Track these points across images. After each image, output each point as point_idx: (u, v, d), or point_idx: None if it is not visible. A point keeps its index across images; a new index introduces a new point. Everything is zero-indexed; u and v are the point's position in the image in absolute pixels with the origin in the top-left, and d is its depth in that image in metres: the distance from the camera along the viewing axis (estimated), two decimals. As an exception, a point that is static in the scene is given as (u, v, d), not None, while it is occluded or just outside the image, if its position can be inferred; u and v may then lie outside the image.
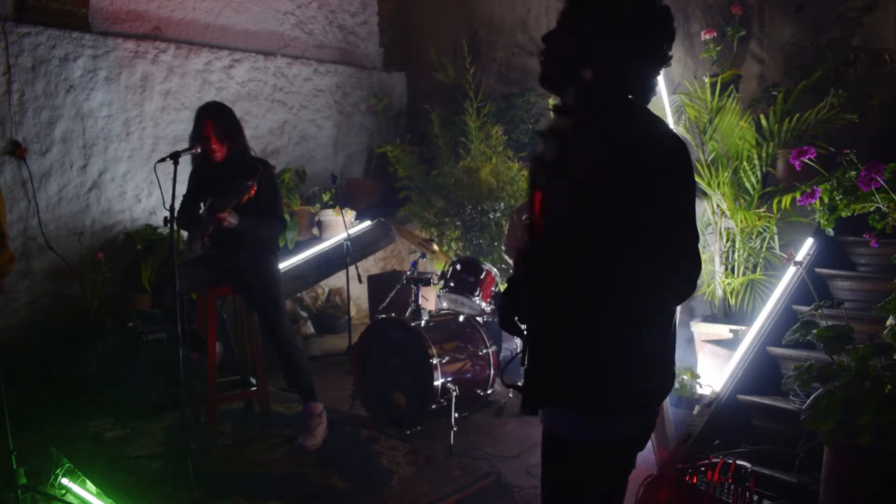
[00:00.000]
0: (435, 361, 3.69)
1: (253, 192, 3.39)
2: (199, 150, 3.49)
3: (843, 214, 3.33)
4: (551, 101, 5.94)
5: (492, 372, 4.03)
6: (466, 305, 4.21)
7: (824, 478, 2.62)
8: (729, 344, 3.97)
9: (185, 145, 3.54)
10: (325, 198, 6.36)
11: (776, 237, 4.23)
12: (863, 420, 2.37)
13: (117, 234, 5.35)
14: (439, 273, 4.41)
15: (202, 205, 3.73)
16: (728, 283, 4.27)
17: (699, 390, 3.78)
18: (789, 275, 3.83)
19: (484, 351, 4.04)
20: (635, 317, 1.43)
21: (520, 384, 1.65)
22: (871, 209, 3.18)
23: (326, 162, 6.95)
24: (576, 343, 1.43)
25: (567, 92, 1.46)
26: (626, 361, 1.43)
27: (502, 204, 5.69)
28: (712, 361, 4.01)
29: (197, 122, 3.59)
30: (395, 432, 3.78)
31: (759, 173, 4.28)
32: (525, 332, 1.62)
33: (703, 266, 1.47)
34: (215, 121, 3.55)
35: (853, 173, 3.23)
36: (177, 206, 3.27)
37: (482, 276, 4.14)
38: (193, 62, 5.81)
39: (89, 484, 3.20)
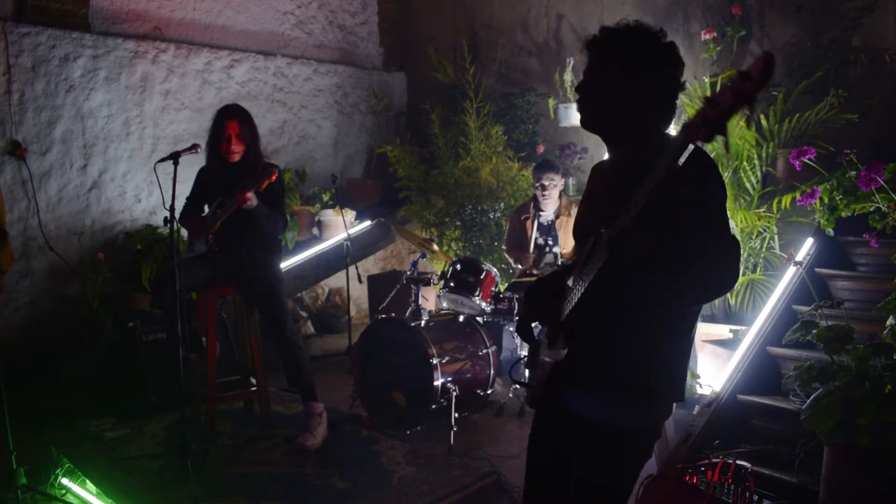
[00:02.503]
0: (435, 361, 3.69)
1: (274, 177, 3.43)
2: (198, 150, 3.50)
3: (843, 214, 3.33)
4: (552, 101, 5.96)
5: (492, 372, 4.03)
6: (466, 305, 4.21)
7: (824, 478, 2.62)
8: (729, 344, 3.97)
9: (186, 145, 3.54)
10: (325, 198, 6.36)
11: (776, 237, 4.23)
12: (863, 420, 2.37)
13: (117, 234, 5.35)
14: (439, 273, 4.41)
15: (206, 206, 3.73)
16: (728, 283, 4.27)
17: (699, 390, 3.78)
18: (789, 275, 3.83)
19: (484, 351, 4.04)
20: (688, 322, 1.64)
21: (524, 380, 1.86)
22: (871, 209, 3.18)
23: (326, 162, 6.95)
24: (643, 343, 1.60)
25: (614, 133, 1.65)
26: (676, 357, 1.66)
27: (502, 204, 5.69)
28: (712, 361, 4.01)
29: (219, 120, 3.62)
30: (395, 432, 3.78)
31: (759, 173, 4.28)
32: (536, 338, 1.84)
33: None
34: (240, 122, 3.60)
35: (853, 173, 3.23)
36: (178, 205, 3.27)
37: (482, 276, 4.14)
38: (193, 62, 5.81)
39: (89, 484, 3.20)
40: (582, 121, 1.68)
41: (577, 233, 1.84)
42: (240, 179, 3.47)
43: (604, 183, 1.78)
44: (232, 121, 3.59)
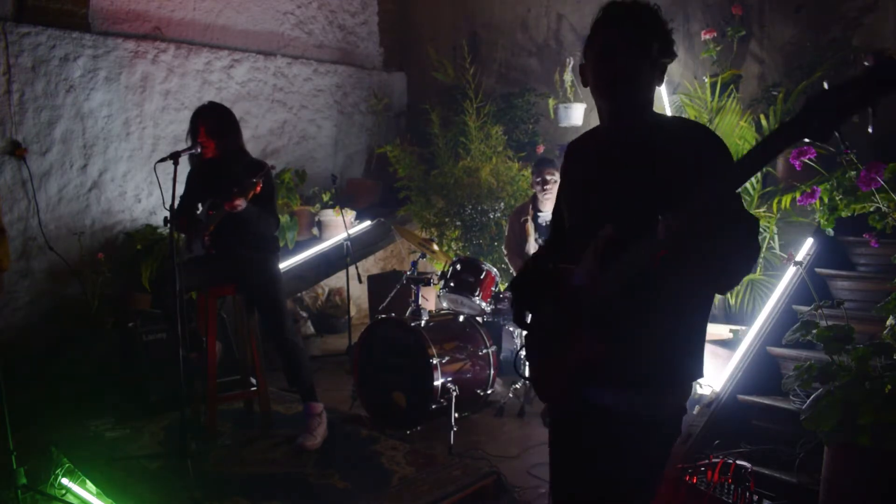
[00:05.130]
0: (435, 361, 3.69)
1: (259, 189, 3.41)
2: (198, 150, 3.50)
3: (843, 214, 3.33)
4: (552, 101, 5.95)
5: (492, 372, 4.03)
6: (466, 305, 4.21)
7: (824, 478, 2.62)
8: (729, 344, 3.97)
9: (186, 145, 3.55)
10: (325, 198, 6.36)
11: (776, 237, 4.23)
12: (863, 420, 2.37)
13: (117, 234, 5.35)
14: (439, 273, 4.41)
15: (200, 205, 3.73)
16: (728, 283, 4.27)
17: (699, 390, 3.77)
18: (789, 275, 3.83)
19: (484, 351, 4.04)
20: (705, 311, 1.67)
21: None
22: (871, 209, 3.18)
23: (326, 162, 6.95)
24: (675, 332, 1.62)
25: (640, 108, 1.65)
26: (701, 340, 1.69)
27: (502, 204, 5.69)
28: (712, 361, 4.01)
29: (191, 120, 3.65)
30: (395, 432, 3.78)
31: (758, 173, 4.28)
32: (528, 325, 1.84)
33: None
34: (204, 117, 3.61)
35: (853, 173, 3.23)
36: (176, 206, 3.27)
37: (482, 276, 4.14)
38: (193, 62, 5.81)
39: (89, 484, 3.20)
40: (619, 89, 1.62)
41: (578, 214, 1.76)
42: (227, 182, 3.45)
43: (602, 160, 1.70)
44: (198, 117, 3.61)
